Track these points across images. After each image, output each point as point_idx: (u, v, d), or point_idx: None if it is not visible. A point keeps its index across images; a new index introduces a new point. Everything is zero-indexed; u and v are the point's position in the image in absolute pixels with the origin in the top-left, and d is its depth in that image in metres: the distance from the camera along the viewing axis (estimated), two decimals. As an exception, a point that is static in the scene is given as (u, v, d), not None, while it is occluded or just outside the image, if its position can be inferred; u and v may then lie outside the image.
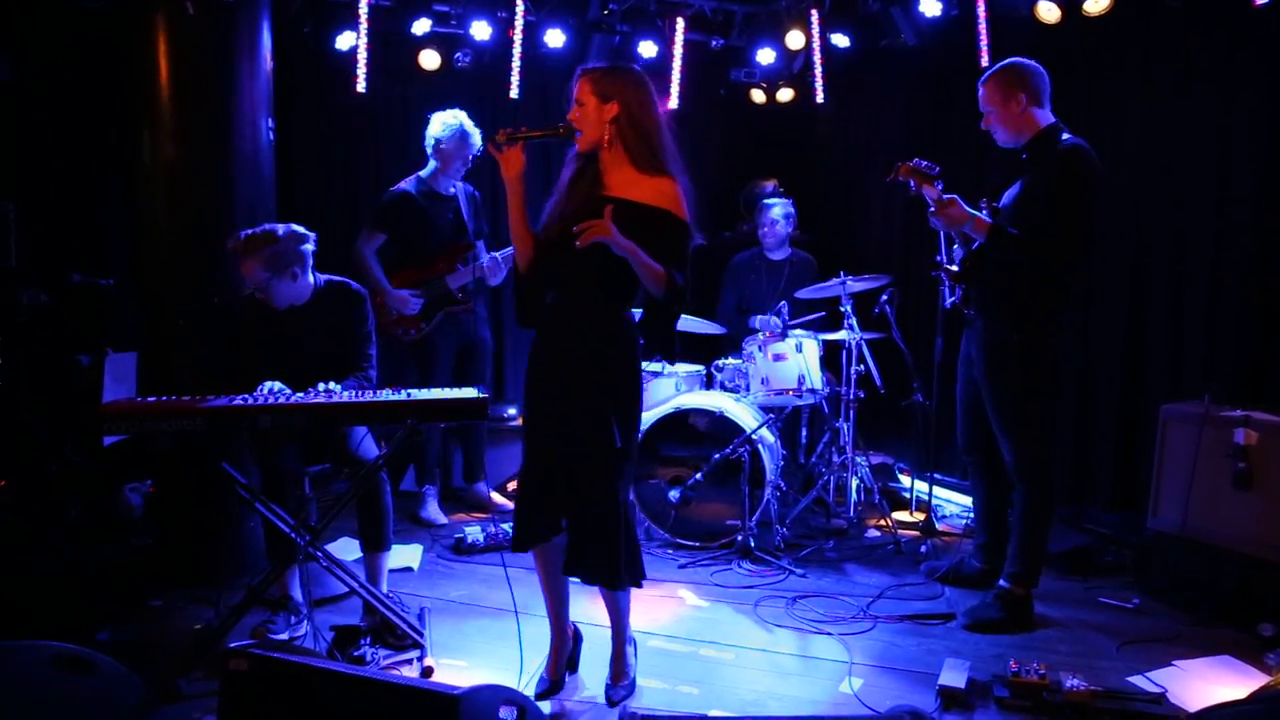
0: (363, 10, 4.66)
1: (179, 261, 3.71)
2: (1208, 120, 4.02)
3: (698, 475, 3.98)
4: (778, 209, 5.08)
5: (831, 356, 4.57)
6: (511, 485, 4.86)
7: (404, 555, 3.99)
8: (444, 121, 4.28)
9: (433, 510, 4.56)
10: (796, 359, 4.29)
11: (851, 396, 4.42)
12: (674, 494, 4.04)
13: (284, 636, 3.18)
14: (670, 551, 4.11)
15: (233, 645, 2.33)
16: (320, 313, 3.32)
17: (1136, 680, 2.88)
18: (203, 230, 3.66)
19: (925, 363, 4.39)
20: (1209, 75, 4.01)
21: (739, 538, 4.04)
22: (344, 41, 4.84)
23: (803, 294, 4.67)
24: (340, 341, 3.32)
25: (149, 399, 2.89)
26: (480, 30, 4.89)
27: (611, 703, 2.76)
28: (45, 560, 3.23)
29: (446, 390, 3.01)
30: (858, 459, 4.55)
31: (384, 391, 2.96)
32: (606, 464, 2.61)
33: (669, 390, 4.48)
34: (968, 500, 4.53)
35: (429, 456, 4.61)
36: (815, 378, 4.29)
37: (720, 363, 4.66)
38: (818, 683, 2.93)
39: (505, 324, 5.54)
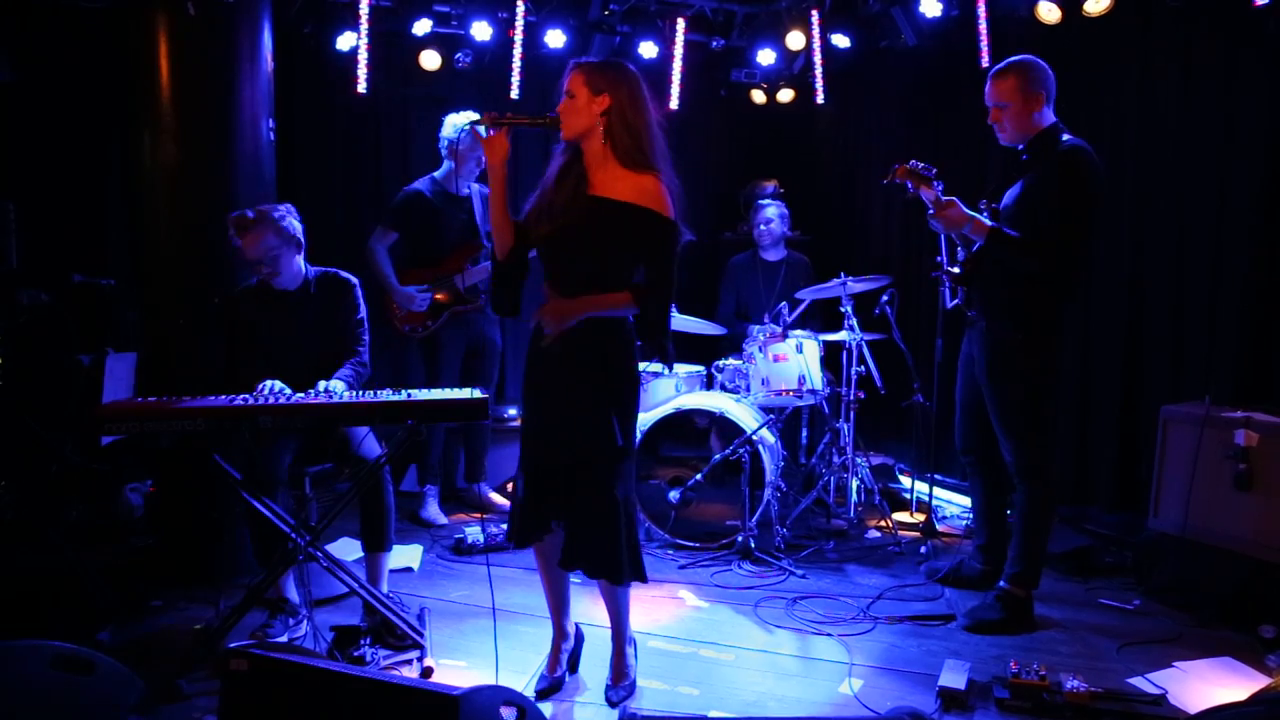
0: (363, 10, 4.66)
1: (179, 261, 3.71)
2: (1208, 120, 4.01)
3: (698, 476, 3.98)
4: (772, 209, 5.09)
5: (832, 357, 4.57)
6: (511, 485, 4.85)
7: (404, 555, 3.99)
8: (457, 124, 4.28)
9: (433, 510, 4.56)
10: (797, 359, 4.29)
11: (852, 397, 4.42)
12: (674, 494, 4.03)
13: (283, 639, 3.18)
14: (670, 552, 4.11)
15: (233, 645, 2.33)
16: (314, 302, 3.38)
17: (1137, 681, 2.88)
18: (203, 230, 3.66)
19: (926, 363, 4.39)
20: (1209, 75, 4.01)
21: (739, 538, 4.04)
22: (345, 42, 4.84)
23: (803, 295, 4.67)
24: (334, 330, 3.38)
25: (149, 399, 2.89)
26: (481, 30, 4.89)
27: (611, 704, 2.76)
28: (45, 560, 3.22)
29: (448, 390, 3.01)
30: (858, 460, 4.55)
31: (385, 391, 2.96)
32: (607, 463, 2.61)
33: (669, 390, 4.48)
34: (968, 501, 4.53)
35: (430, 456, 4.61)
36: (816, 378, 4.29)
37: (720, 363, 4.66)
38: (818, 684, 2.93)
39: (512, 324, 5.53)
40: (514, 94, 5.01)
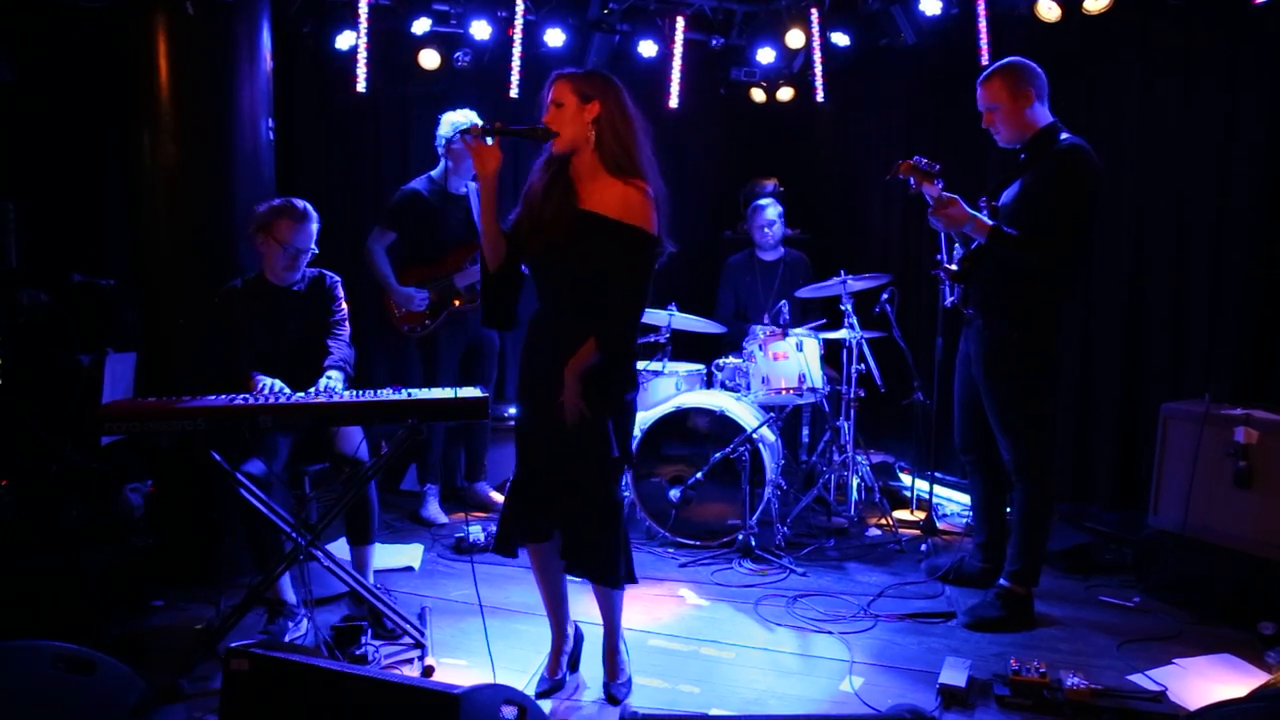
0: (363, 10, 4.66)
1: (179, 261, 3.71)
2: (1208, 120, 4.02)
3: (698, 474, 3.98)
4: (771, 210, 5.08)
5: (832, 355, 4.57)
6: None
7: (405, 555, 3.99)
8: (454, 121, 4.28)
9: (433, 509, 4.56)
10: (797, 358, 4.29)
11: (852, 395, 4.42)
12: (675, 493, 4.03)
13: (285, 639, 3.18)
14: (671, 550, 4.11)
15: (234, 645, 2.32)
16: (303, 300, 3.43)
17: (1137, 679, 2.88)
18: (203, 230, 3.67)
19: (926, 361, 4.39)
20: (1209, 75, 4.01)
21: (740, 536, 4.04)
22: (344, 41, 4.84)
23: (803, 293, 4.67)
24: (320, 326, 3.44)
25: (149, 399, 2.89)
26: (480, 30, 4.88)
27: (614, 700, 2.76)
28: (45, 560, 3.22)
29: (447, 390, 3.01)
30: (858, 458, 4.55)
31: (384, 391, 2.96)
32: (604, 472, 2.60)
33: (669, 389, 4.48)
34: (968, 499, 4.53)
35: (431, 455, 4.61)
36: (816, 377, 4.29)
37: (721, 362, 4.66)
38: (818, 681, 2.93)
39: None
40: (513, 93, 5.00)
